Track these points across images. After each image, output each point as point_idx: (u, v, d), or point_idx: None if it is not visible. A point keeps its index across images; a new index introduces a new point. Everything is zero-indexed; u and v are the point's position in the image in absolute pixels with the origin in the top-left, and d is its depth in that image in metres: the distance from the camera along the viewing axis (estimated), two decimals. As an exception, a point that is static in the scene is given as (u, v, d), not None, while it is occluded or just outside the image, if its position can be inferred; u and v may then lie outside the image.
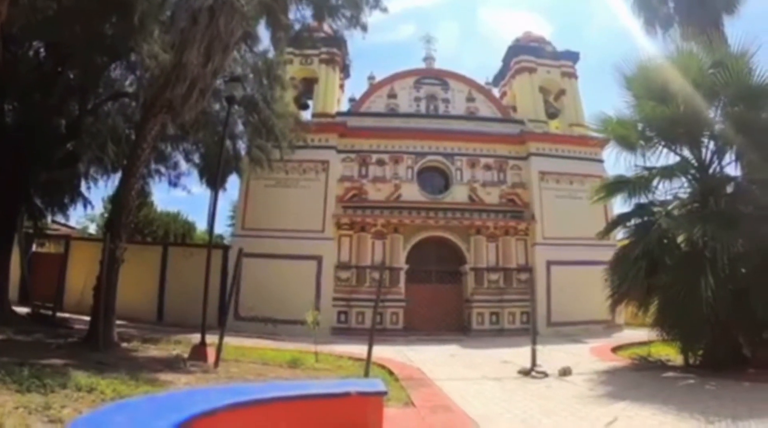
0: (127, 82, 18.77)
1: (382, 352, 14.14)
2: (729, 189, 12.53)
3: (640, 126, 13.18)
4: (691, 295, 10.25)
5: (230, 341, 14.43)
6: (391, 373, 11.48)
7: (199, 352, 11.93)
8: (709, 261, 10.49)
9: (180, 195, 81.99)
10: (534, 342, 11.82)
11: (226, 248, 23.73)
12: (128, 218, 13.98)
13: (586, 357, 14.61)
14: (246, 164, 22.37)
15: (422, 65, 29.49)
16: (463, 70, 28.34)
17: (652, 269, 11.85)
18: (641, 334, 14.54)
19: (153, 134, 13.79)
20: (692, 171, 12.80)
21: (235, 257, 21.61)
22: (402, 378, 10.64)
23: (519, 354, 12.95)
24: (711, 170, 12.59)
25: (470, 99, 27.71)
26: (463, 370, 12.54)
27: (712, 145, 12.53)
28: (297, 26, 18.32)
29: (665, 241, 12.15)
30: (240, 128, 20.97)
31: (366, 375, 10.22)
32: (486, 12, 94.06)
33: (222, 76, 16.06)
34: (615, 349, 16.05)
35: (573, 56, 29.18)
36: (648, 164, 13.18)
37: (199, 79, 13.25)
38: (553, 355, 14.21)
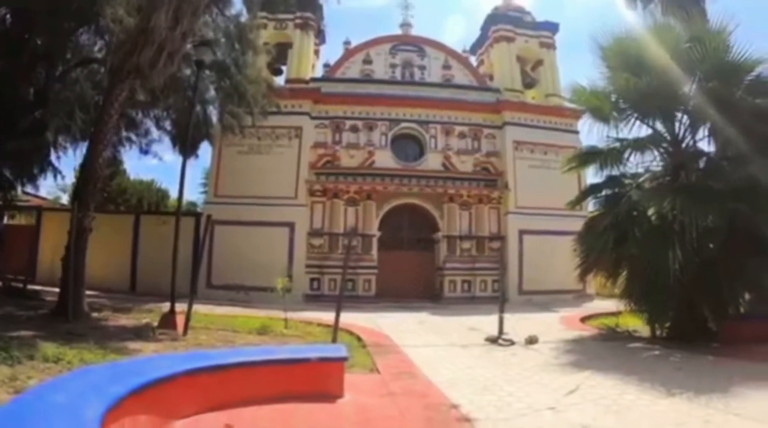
0: (96, 48, 18.12)
1: (353, 319, 14.37)
2: (701, 164, 12.58)
3: (613, 97, 13.12)
4: (658, 267, 10.35)
5: (202, 309, 14.72)
6: (359, 339, 11.64)
7: (168, 321, 11.86)
8: (677, 235, 10.59)
9: (153, 163, 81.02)
10: (501, 311, 11.95)
11: (198, 216, 23.40)
12: (96, 187, 13.73)
13: (555, 325, 14.78)
14: (218, 130, 22.09)
15: (399, 32, 29.13)
16: (442, 38, 27.80)
17: (620, 240, 11.90)
18: (611, 304, 14.69)
19: (120, 100, 13.50)
20: (664, 145, 12.81)
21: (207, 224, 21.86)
22: (369, 345, 10.74)
23: (488, 322, 13.03)
24: (684, 145, 12.62)
25: (446, 66, 27.47)
26: (431, 337, 12.64)
27: (685, 119, 12.53)
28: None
29: (635, 213, 12.22)
30: (212, 93, 20.59)
31: (333, 341, 10.20)
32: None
33: (192, 40, 15.74)
34: (584, 319, 16.27)
35: (552, 27, 29.03)
36: (621, 136, 13.24)
37: (167, 43, 12.95)
38: (522, 323, 14.31)
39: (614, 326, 13.91)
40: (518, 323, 13.95)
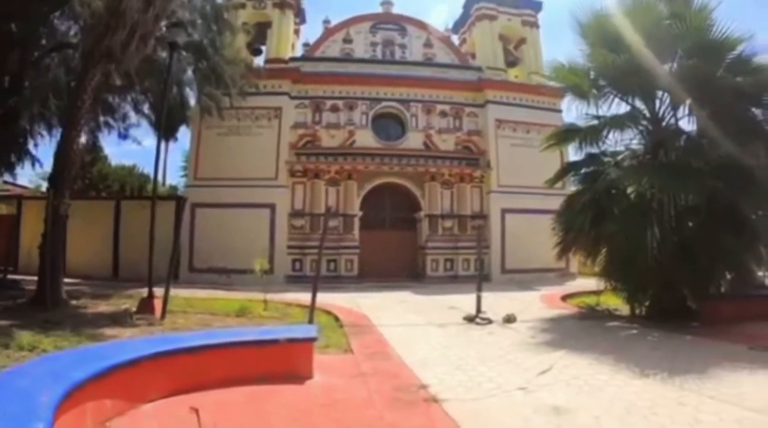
0: (72, 33, 17.77)
1: (334, 299, 14.41)
2: (680, 143, 12.40)
3: (592, 74, 12.92)
4: (637, 246, 10.21)
5: (182, 292, 14.68)
6: (336, 319, 11.60)
7: (146, 306, 11.79)
8: (655, 213, 10.49)
9: (135, 148, 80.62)
10: (479, 289, 11.91)
11: (179, 200, 23.07)
12: (71, 173, 13.49)
13: (535, 304, 14.76)
14: (196, 112, 21.87)
15: (380, 10, 28.68)
16: (424, 18, 27.49)
17: (599, 218, 11.84)
18: (593, 283, 14.60)
19: (94, 85, 13.23)
20: (644, 123, 12.66)
21: (188, 208, 21.75)
22: (346, 325, 10.71)
23: (468, 301, 12.84)
24: (663, 123, 12.49)
25: (428, 45, 27.16)
26: (410, 316, 12.59)
27: (665, 97, 12.37)
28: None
29: (613, 191, 12.16)
30: (189, 75, 20.29)
31: (310, 322, 10.10)
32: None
33: (167, 21, 15.49)
34: (565, 297, 16.30)
35: (535, 5, 28.84)
36: (600, 114, 13.09)
37: (139, 26, 12.72)
38: (502, 302, 14.35)
39: (594, 304, 13.94)
40: (498, 301, 13.98)
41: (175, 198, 24.06)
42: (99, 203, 25.57)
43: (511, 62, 28.59)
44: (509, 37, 28.85)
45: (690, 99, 11.68)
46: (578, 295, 16.43)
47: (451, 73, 26.53)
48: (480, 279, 12.44)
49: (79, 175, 35.84)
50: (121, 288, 16.43)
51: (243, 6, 25.32)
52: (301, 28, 30.95)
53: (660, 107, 12.46)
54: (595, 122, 12.97)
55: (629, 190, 11.81)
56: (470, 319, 11.25)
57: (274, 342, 6.31)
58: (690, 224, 11.16)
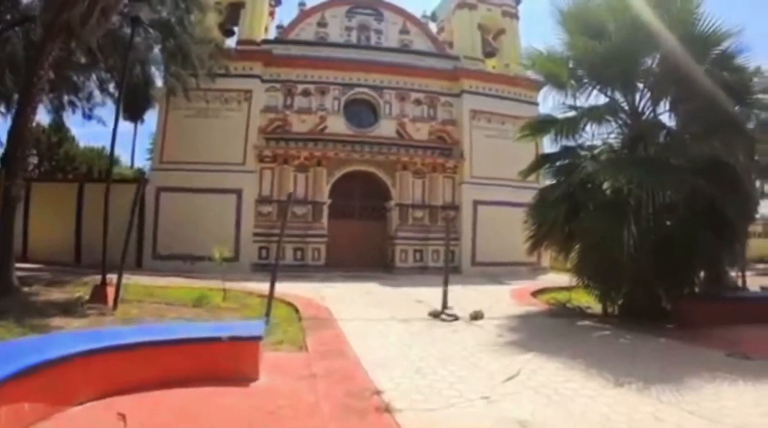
0: (35, 5, 17.02)
1: (298, 289, 14.11)
2: (660, 138, 11.93)
3: (571, 64, 12.43)
4: (612, 243, 9.75)
5: (143, 280, 14.72)
6: (296, 311, 11.18)
7: (99, 294, 11.28)
8: (633, 210, 10.06)
9: (106, 130, 78.31)
10: (446, 284, 11.42)
11: (138, 182, 22.31)
12: (25, 153, 12.89)
13: (504, 299, 14.34)
14: (163, 93, 21.24)
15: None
16: (402, 3, 26.83)
17: (573, 213, 11.40)
18: (565, 278, 14.18)
19: (51, 60, 12.55)
20: (623, 115, 12.19)
21: (153, 192, 21.11)
22: (305, 318, 10.27)
23: (436, 294, 12.20)
24: (643, 117, 12.00)
25: (404, 31, 26.65)
26: (374, 310, 12.09)
27: (646, 90, 11.91)
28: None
29: (589, 185, 11.59)
30: (156, 54, 19.54)
31: (267, 314, 9.73)
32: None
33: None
34: (536, 293, 15.92)
35: (516, -3, 28.50)
36: (577, 105, 12.62)
37: None
38: (470, 296, 13.99)
39: (565, 301, 13.59)
40: (466, 295, 13.62)
41: (139, 181, 23.25)
42: (62, 186, 24.88)
43: (489, 53, 28.15)
44: (488, 27, 28.36)
45: (672, 93, 11.26)
46: (549, 290, 16.09)
47: (427, 61, 26.06)
48: (447, 273, 11.92)
49: (45, 156, 35.46)
50: (81, 274, 15.92)
51: None
52: (276, 10, 30.18)
53: (640, 100, 11.96)
54: (573, 113, 12.51)
55: (605, 185, 11.31)
56: (436, 315, 10.78)
57: (216, 340, 5.79)
58: (668, 222, 10.79)
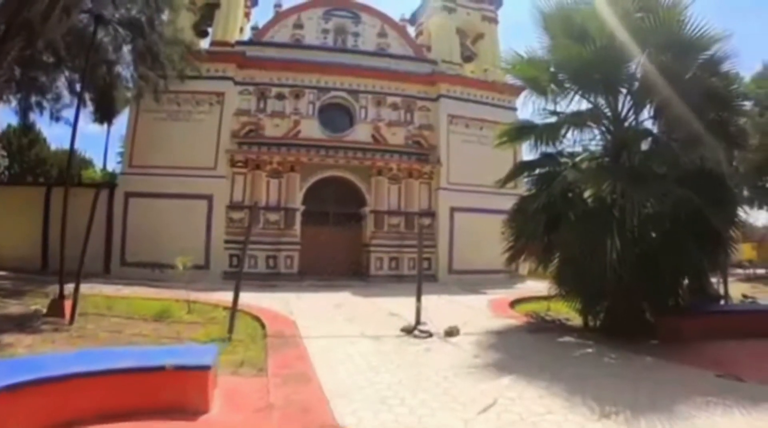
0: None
1: (267, 300, 13.76)
2: (644, 146, 11.50)
3: (552, 68, 11.91)
4: (594, 255, 9.28)
5: (107, 289, 14.32)
6: (263, 327, 10.59)
7: (57, 308, 10.81)
8: (616, 220, 9.57)
9: (81, 133, 78.08)
10: (419, 299, 10.84)
11: (111, 188, 21.92)
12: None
13: (482, 311, 13.78)
14: (133, 94, 20.51)
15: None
16: (380, 5, 26.48)
17: (553, 224, 10.89)
18: (543, 287, 13.69)
19: (10, 59, 11.95)
20: (605, 122, 11.68)
21: (122, 197, 20.50)
22: (271, 335, 9.70)
23: (411, 305, 11.53)
24: (627, 124, 11.53)
25: (382, 35, 26.27)
26: (343, 325, 11.46)
27: (630, 96, 11.42)
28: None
29: (570, 195, 11.13)
30: (125, 54, 18.93)
31: (229, 331, 9.19)
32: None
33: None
34: (514, 303, 15.41)
35: (496, 1, 28.26)
36: (559, 110, 12.14)
37: None
38: (446, 308, 13.52)
39: (545, 311, 13.20)
40: (442, 307, 13.12)
41: (108, 186, 22.63)
42: (29, 189, 24.17)
43: (468, 57, 27.91)
44: (467, 32, 28.16)
45: (657, 99, 10.77)
46: (528, 300, 15.64)
47: (405, 65, 25.70)
48: (419, 288, 11.25)
49: (16, 158, 34.70)
50: (45, 283, 15.24)
51: None
52: (252, 11, 29.78)
53: (623, 106, 11.47)
54: (553, 119, 12.03)
55: (587, 194, 10.88)
56: (408, 331, 10.19)
57: (159, 369, 5.23)
58: (653, 234, 10.28)
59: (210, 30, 25.89)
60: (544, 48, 12.03)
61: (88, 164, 39.83)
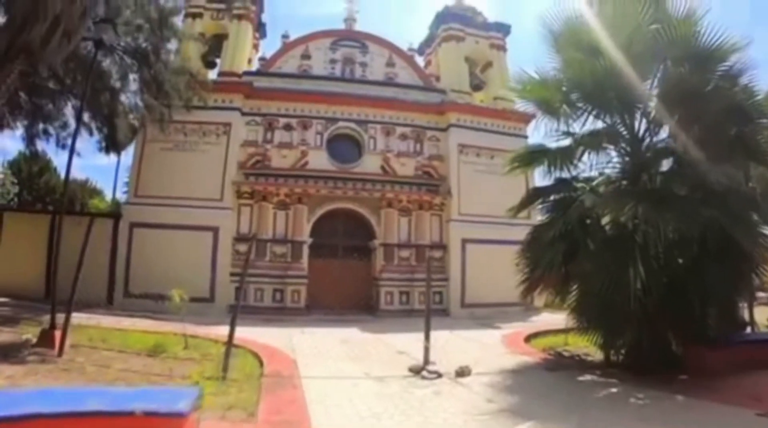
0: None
1: (270, 336, 13.21)
2: (665, 166, 10.95)
3: (564, 88, 11.43)
4: (616, 286, 8.69)
5: (106, 321, 13.87)
6: (261, 364, 10.04)
7: (47, 338, 10.50)
8: (639, 247, 8.97)
9: (89, 163, 79.44)
10: (427, 338, 10.17)
11: (116, 218, 21.58)
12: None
13: (496, 348, 13.10)
14: (138, 123, 20.32)
15: (342, 27, 27.56)
16: (388, 36, 26.26)
17: (571, 253, 10.28)
18: (560, 319, 13.10)
19: (9, 83, 11.65)
20: (623, 142, 11.13)
21: (126, 227, 20.19)
22: (267, 374, 9.12)
23: (420, 342, 10.76)
24: (645, 143, 10.97)
25: (390, 64, 26.02)
26: (347, 364, 10.79)
27: (647, 113, 10.93)
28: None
29: (588, 222, 10.54)
30: (130, 83, 18.84)
31: (224, 369, 8.62)
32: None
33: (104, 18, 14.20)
34: (529, 337, 14.78)
35: (504, 28, 27.92)
36: (573, 131, 11.62)
37: (63, 19, 11.23)
38: (457, 344, 12.87)
39: (563, 346, 12.56)
40: (453, 343, 12.48)
41: (113, 216, 22.37)
42: (34, 217, 23.83)
43: (477, 86, 27.50)
44: (475, 60, 27.82)
45: (677, 114, 10.18)
46: (544, 334, 14.97)
47: (413, 95, 25.32)
48: (428, 324, 10.56)
49: (25, 185, 34.79)
50: (44, 312, 14.70)
51: (200, 15, 24.62)
52: (261, 43, 29.86)
53: (641, 125, 10.93)
54: (568, 141, 11.48)
55: (605, 220, 10.29)
56: (416, 371, 9.52)
57: (128, 414, 4.64)
58: (680, 260, 9.62)
59: (218, 61, 25.65)
60: (556, 69, 11.57)
61: (96, 193, 39.86)
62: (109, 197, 39.20)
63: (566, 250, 10.25)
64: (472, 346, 13.01)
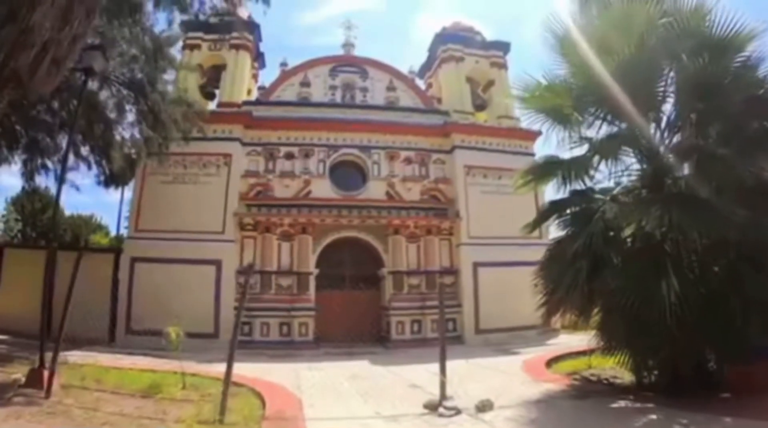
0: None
1: (276, 372, 12.63)
2: (687, 169, 10.11)
3: (575, 92, 10.70)
4: (647, 302, 7.95)
5: (104, 359, 13.38)
6: (263, 405, 9.29)
7: (36, 378, 9.74)
8: (670, 258, 8.30)
9: (95, 200, 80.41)
10: (443, 371, 9.30)
11: (118, 252, 21.12)
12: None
13: (516, 376, 12.22)
14: (134, 155, 19.83)
15: (341, 53, 27.26)
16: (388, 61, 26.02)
17: (595, 269, 9.46)
18: (579, 340, 12.38)
19: (-1, 111, 11.28)
20: (643, 144, 10.30)
21: (127, 262, 19.73)
22: (269, 416, 8.39)
23: (435, 374, 9.94)
24: (665, 145, 10.24)
25: (391, 88, 25.68)
26: (356, 402, 9.92)
27: (666, 112, 10.32)
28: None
29: (611, 233, 9.72)
30: (126, 114, 18.61)
31: (221, 412, 7.92)
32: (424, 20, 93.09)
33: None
34: (551, 362, 14.00)
35: (503, 46, 27.42)
36: (589, 136, 10.94)
37: (51, 45, 10.80)
38: (475, 374, 12.05)
39: (587, 369, 11.76)
40: (471, 373, 11.67)
41: (114, 250, 22.01)
42: (33, 252, 23.39)
43: (480, 106, 27.09)
44: (477, 80, 27.40)
45: (698, 109, 9.59)
46: (565, 357, 14.22)
47: (416, 118, 24.91)
48: (443, 355, 9.69)
49: (28, 221, 34.69)
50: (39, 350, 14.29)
51: (198, 47, 24.54)
52: (260, 73, 29.68)
53: (660, 126, 10.24)
54: (582, 150, 10.85)
55: (629, 231, 9.51)
56: (432, 408, 8.61)
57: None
58: (716, 268, 8.88)
59: (217, 92, 25.34)
60: (564, 74, 10.91)
61: (99, 229, 39.72)
62: (114, 232, 39.32)
63: (590, 266, 9.45)
64: (490, 375, 12.22)
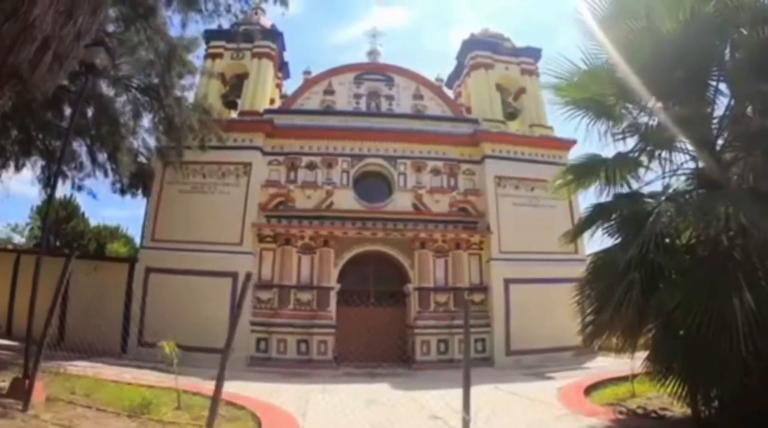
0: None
1: (284, 394, 11.91)
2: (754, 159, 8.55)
3: (619, 75, 9.25)
4: (714, 322, 6.64)
5: (107, 372, 13.06)
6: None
7: (18, 388, 9.41)
8: (742, 268, 7.03)
9: (123, 213, 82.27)
10: (467, 406, 7.19)
11: (132, 263, 20.56)
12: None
13: (552, 407, 10.86)
14: (158, 166, 20.07)
15: (366, 60, 26.63)
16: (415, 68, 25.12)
17: (648, 283, 7.96)
18: (619, 364, 11.13)
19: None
20: (702, 131, 8.80)
21: (142, 273, 19.06)
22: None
23: (460, 402, 7.73)
24: (727, 133, 8.87)
25: (417, 96, 24.77)
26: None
27: (725, 94, 8.88)
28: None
29: (667, 240, 8.23)
30: (145, 121, 18.46)
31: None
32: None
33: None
34: (589, 389, 12.67)
35: (534, 53, 26.35)
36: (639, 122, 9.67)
37: (53, 40, 10.03)
38: (505, 404, 10.82)
39: (630, 397, 10.67)
40: (500, 403, 10.45)
41: (128, 260, 21.76)
42: (52, 260, 22.83)
43: (511, 114, 26.04)
44: (507, 88, 26.37)
45: (759, 94, 8.17)
46: (605, 383, 12.93)
47: (444, 126, 23.93)
48: (467, 386, 7.77)
49: (52, 230, 34.57)
50: (49, 358, 13.39)
51: (220, 56, 24.30)
52: (284, 83, 29.13)
53: (714, 109, 8.93)
54: (629, 145, 9.63)
55: (687, 236, 8.29)
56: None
57: None
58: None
59: (239, 101, 24.70)
60: (604, 60, 9.63)
61: (124, 238, 39.84)
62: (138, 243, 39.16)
63: (643, 279, 7.96)
64: (522, 406, 10.96)
